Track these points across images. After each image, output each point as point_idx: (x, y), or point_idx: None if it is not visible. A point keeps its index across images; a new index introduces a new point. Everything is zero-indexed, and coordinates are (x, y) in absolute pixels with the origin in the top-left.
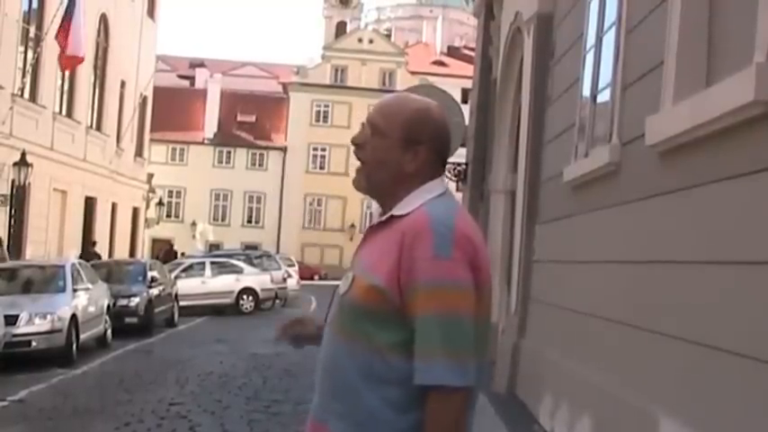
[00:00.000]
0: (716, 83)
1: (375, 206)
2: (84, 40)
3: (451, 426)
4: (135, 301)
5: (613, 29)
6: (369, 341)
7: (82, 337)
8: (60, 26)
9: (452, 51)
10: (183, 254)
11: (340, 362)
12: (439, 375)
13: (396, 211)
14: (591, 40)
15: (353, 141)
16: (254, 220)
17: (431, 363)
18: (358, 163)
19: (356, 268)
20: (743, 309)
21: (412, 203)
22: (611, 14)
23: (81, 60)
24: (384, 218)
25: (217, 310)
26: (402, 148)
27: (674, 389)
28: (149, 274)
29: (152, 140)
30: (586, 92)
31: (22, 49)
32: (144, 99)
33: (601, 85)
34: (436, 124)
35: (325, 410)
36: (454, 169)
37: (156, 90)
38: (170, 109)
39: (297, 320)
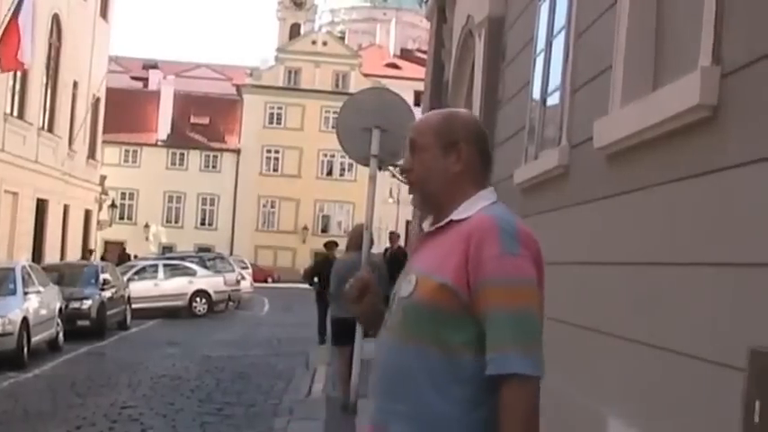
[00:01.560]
0: (662, 86)
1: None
2: (28, 45)
3: (528, 413)
4: (87, 303)
5: (563, 32)
6: (436, 341)
7: (33, 340)
8: (6, 28)
9: (406, 54)
10: (135, 256)
11: (405, 363)
12: (514, 365)
13: (454, 216)
14: (541, 43)
15: (402, 170)
16: (207, 222)
17: (505, 354)
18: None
19: (417, 271)
20: (687, 309)
21: (470, 209)
22: (560, 18)
23: (21, 66)
24: (442, 223)
25: (170, 313)
26: (443, 154)
27: (621, 389)
28: (102, 276)
29: (105, 142)
30: (536, 95)
31: None
32: (97, 100)
33: (550, 88)
34: (466, 122)
35: (386, 413)
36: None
37: (109, 91)
38: (123, 110)
39: (370, 293)
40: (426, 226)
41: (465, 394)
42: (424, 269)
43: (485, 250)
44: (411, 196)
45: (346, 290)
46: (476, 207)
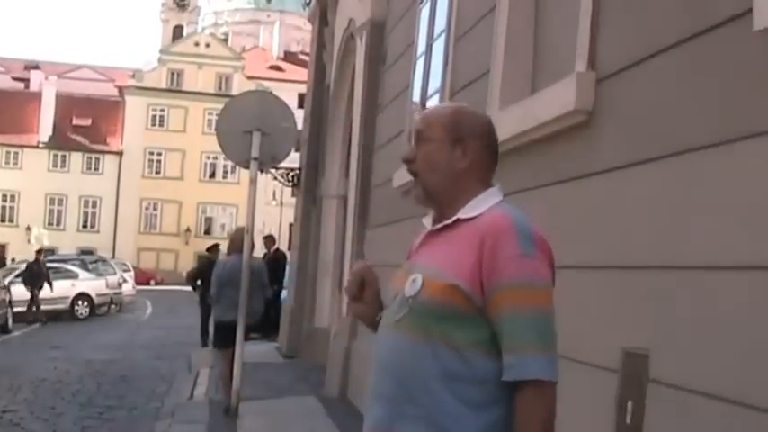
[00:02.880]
0: (540, 91)
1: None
2: None
3: (549, 419)
4: None
5: (443, 36)
6: (447, 341)
7: None
8: None
9: (289, 56)
10: (13, 259)
11: (414, 364)
12: (536, 370)
13: (462, 215)
14: (421, 47)
15: (404, 159)
16: (89, 224)
17: (526, 358)
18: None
19: (422, 270)
20: (561, 311)
21: (479, 207)
22: (441, 22)
23: None
24: (449, 221)
25: (52, 316)
26: (450, 148)
27: None
28: None
29: None
30: (416, 98)
31: None
32: None
33: (430, 91)
34: (475, 119)
35: (393, 417)
36: (288, 174)
37: None
38: (4, 112)
39: (369, 284)
40: (427, 223)
41: (478, 395)
42: (431, 268)
43: (502, 251)
44: (414, 192)
45: (345, 287)
46: (485, 205)
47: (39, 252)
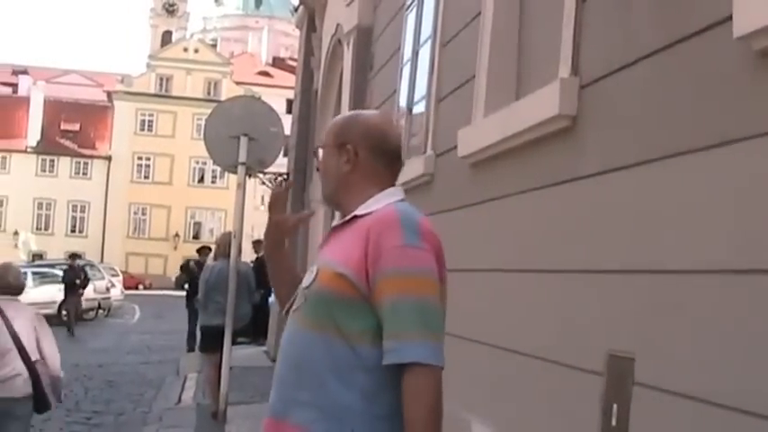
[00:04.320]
0: (524, 96)
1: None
2: None
3: (435, 403)
4: None
5: (429, 42)
6: (337, 329)
7: None
8: None
9: (278, 62)
10: None
11: (307, 351)
12: (418, 353)
13: (358, 212)
14: (407, 53)
15: (316, 167)
16: (78, 229)
17: (407, 342)
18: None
19: (320, 263)
20: (547, 314)
21: (374, 205)
22: (426, 29)
23: None
24: (347, 218)
25: None
26: (337, 153)
27: (483, 394)
28: None
29: None
30: (403, 104)
31: None
32: None
33: (416, 97)
34: (365, 124)
35: (286, 403)
36: (276, 179)
37: None
38: None
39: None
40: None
41: (369, 383)
42: (326, 260)
43: (385, 241)
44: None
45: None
46: (381, 203)
47: (72, 257)
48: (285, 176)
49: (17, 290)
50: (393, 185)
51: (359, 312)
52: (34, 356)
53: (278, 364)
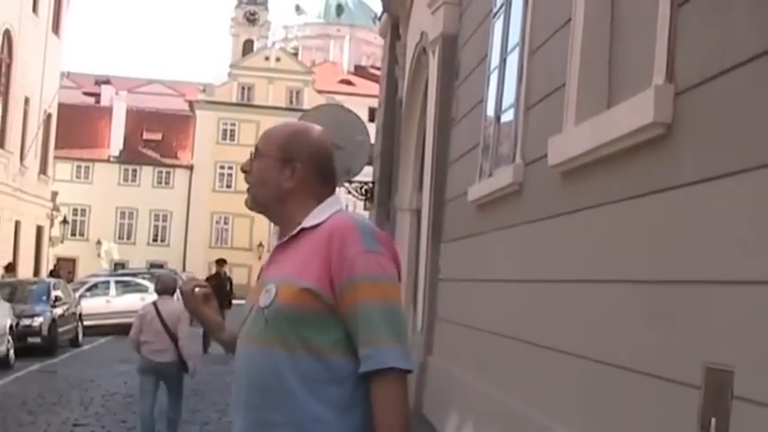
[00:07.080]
0: (616, 104)
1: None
2: None
3: (405, 406)
4: (38, 320)
5: (517, 50)
6: (304, 345)
7: None
8: None
9: (359, 70)
10: (69, 273)
11: (273, 371)
12: (391, 359)
13: (306, 224)
14: (495, 60)
15: (242, 169)
16: (159, 238)
17: (380, 349)
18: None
19: (274, 280)
20: (642, 326)
21: (321, 215)
22: (514, 36)
23: None
24: (294, 232)
25: (122, 330)
26: (280, 167)
27: (575, 406)
28: (53, 293)
29: (57, 158)
30: (490, 112)
31: None
32: (48, 116)
33: (504, 105)
34: (313, 143)
35: (258, 426)
36: (361, 188)
37: (61, 107)
38: (75, 126)
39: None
40: (276, 241)
41: (340, 394)
42: (282, 277)
43: (348, 249)
44: (246, 198)
45: (188, 293)
46: (326, 213)
47: (219, 262)
48: (370, 184)
49: (171, 290)
50: (330, 196)
51: (327, 325)
52: (176, 337)
53: (238, 389)
